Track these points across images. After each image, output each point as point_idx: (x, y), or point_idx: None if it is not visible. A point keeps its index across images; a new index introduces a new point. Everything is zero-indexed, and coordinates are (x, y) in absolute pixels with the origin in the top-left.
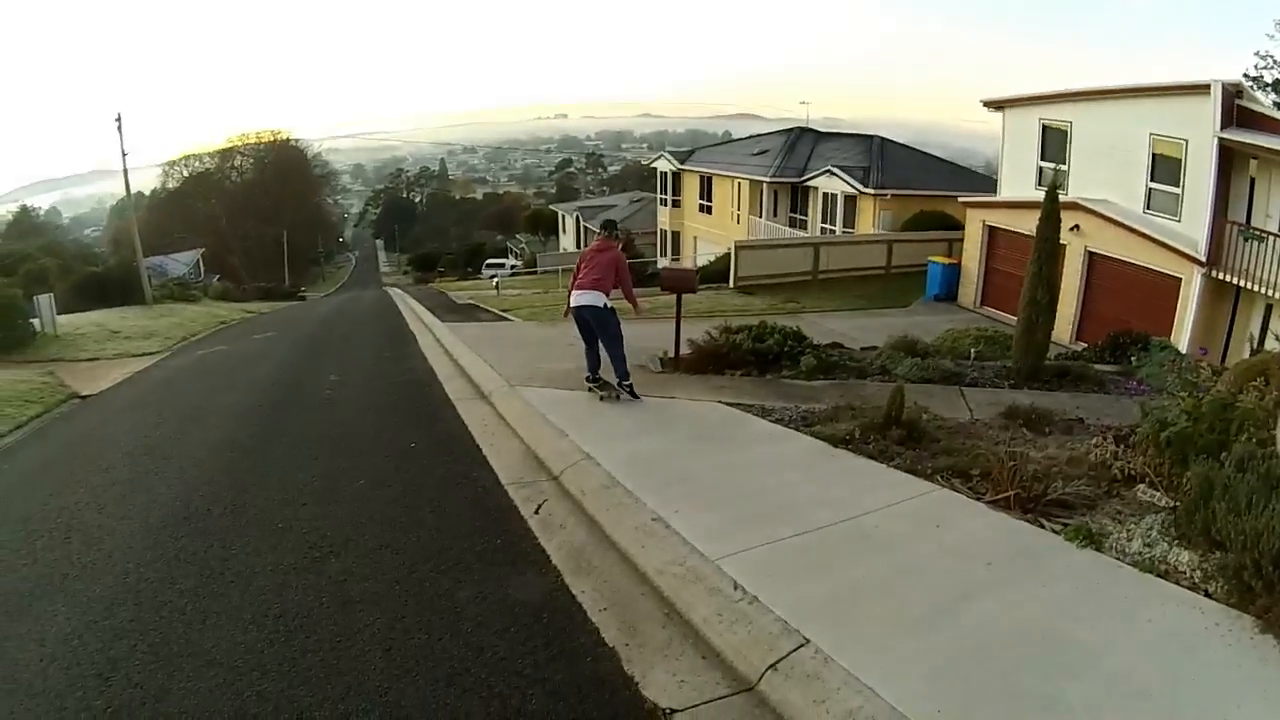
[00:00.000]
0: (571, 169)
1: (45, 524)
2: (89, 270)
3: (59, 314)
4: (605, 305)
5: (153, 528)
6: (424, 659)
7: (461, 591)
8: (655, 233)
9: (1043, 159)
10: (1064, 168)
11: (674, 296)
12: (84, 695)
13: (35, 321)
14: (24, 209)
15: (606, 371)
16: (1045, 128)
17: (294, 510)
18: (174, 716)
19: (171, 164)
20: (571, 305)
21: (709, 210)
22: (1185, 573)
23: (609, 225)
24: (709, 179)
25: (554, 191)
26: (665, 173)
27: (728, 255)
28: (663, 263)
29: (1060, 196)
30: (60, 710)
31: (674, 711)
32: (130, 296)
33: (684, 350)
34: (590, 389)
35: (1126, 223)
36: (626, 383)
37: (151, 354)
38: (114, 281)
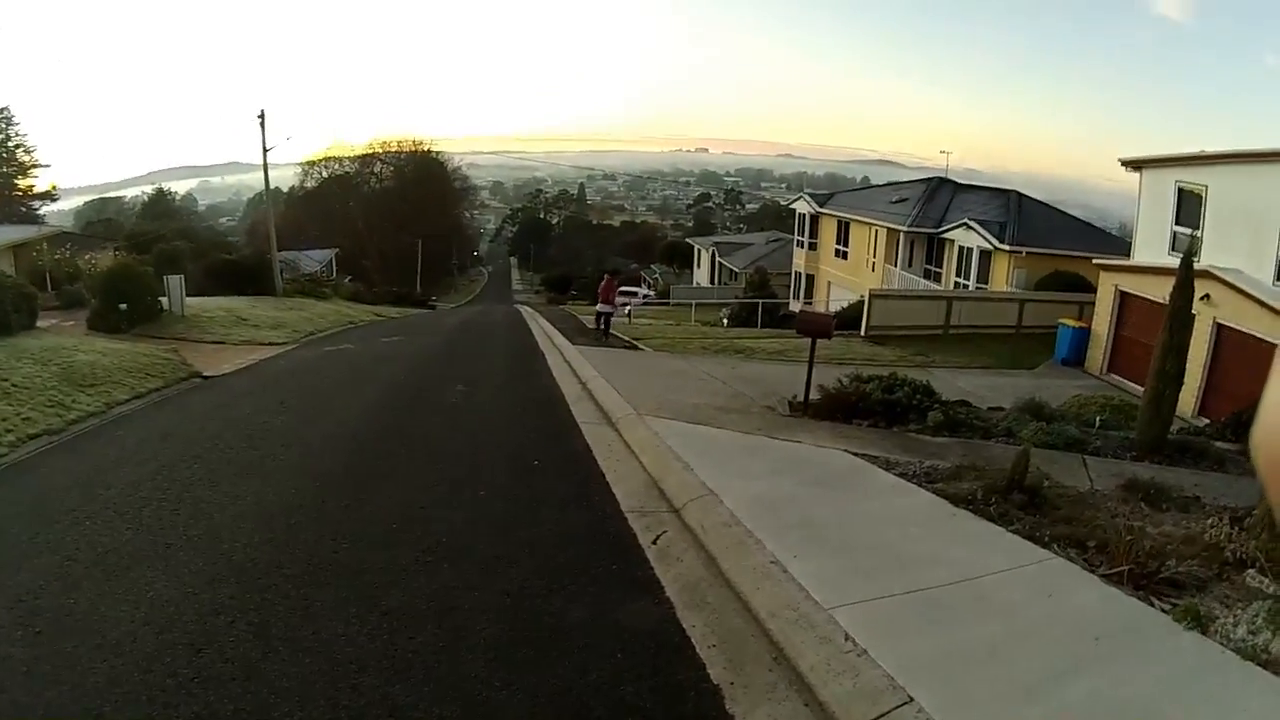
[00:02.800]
0: (709, 203)
1: (154, 492)
2: (222, 257)
3: (189, 296)
4: (610, 310)
5: (265, 512)
6: (527, 674)
7: (573, 612)
8: (790, 274)
9: (1177, 223)
10: (1199, 234)
11: (808, 340)
12: (172, 661)
13: (163, 300)
14: (160, 191)
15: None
16: (1181, 190)
17: (410, 511)
18: (263, 695)
19: (311, 164)
20: (598, 309)
21: (845, 255)
22: None
23: (614, 272)
24: (846, 224)
25: (691, 224)
26: (804, 214)
27: (860, 303)
28: (795, 305)
29: (1194, 264)
30: (146, 672)
31: None
32: (261, 287)
33: (814, 395)
34: (600, 340)
35: (1257, 295)
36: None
37: (277, 344)
38: (246, 270)
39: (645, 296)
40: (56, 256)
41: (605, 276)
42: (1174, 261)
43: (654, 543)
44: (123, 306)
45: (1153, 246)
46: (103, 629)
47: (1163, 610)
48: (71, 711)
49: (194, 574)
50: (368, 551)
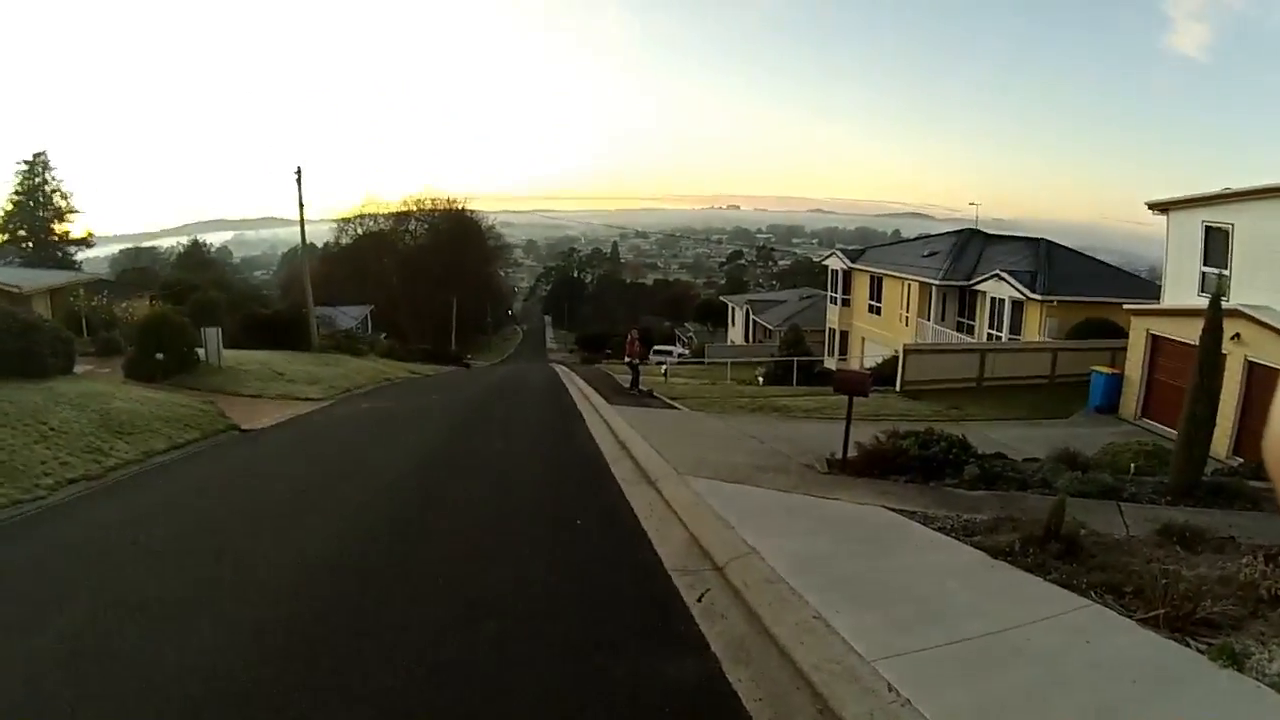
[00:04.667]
0: (742, 260)
1: (197, 542)
2: (258, 310)
3: (225, 348)
4: (636, 362)
5: (307, 565)
6: None
7: (618, 667)
8: (824, 331)
9: (1205, 263)
10: (1226, 274)
11: (845, 398)
12: (221, 710)
13: (200, 351)
14: (196, 243)
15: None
16: (1208, 229)
17: (454, 567)
18: None
19: (346, 220)
20: (627, 361)
21: (878, 311)
22: None
23: (636, 329)
24: (879, 279)
25: (724, 282)
26: (836, 270)
27: (895, 358)
28: (829, 362)
29: (1222, 303)
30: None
31: None
32: (297, 341)
33: (851, 452)
34: (635, 394)
35: None
36: (646, 390)
37: (314, 400)
38: (282, 324)
39: (680, 355)
40: (93, 303)
41: (630, 334)
42: (1204, 302)
43: (698, 600)
44: (160, 356)
45: (1182, 288)
46: (149, 674)
47: (1198, 650)
48: None
49: (238, 623)
50: (412, 606)
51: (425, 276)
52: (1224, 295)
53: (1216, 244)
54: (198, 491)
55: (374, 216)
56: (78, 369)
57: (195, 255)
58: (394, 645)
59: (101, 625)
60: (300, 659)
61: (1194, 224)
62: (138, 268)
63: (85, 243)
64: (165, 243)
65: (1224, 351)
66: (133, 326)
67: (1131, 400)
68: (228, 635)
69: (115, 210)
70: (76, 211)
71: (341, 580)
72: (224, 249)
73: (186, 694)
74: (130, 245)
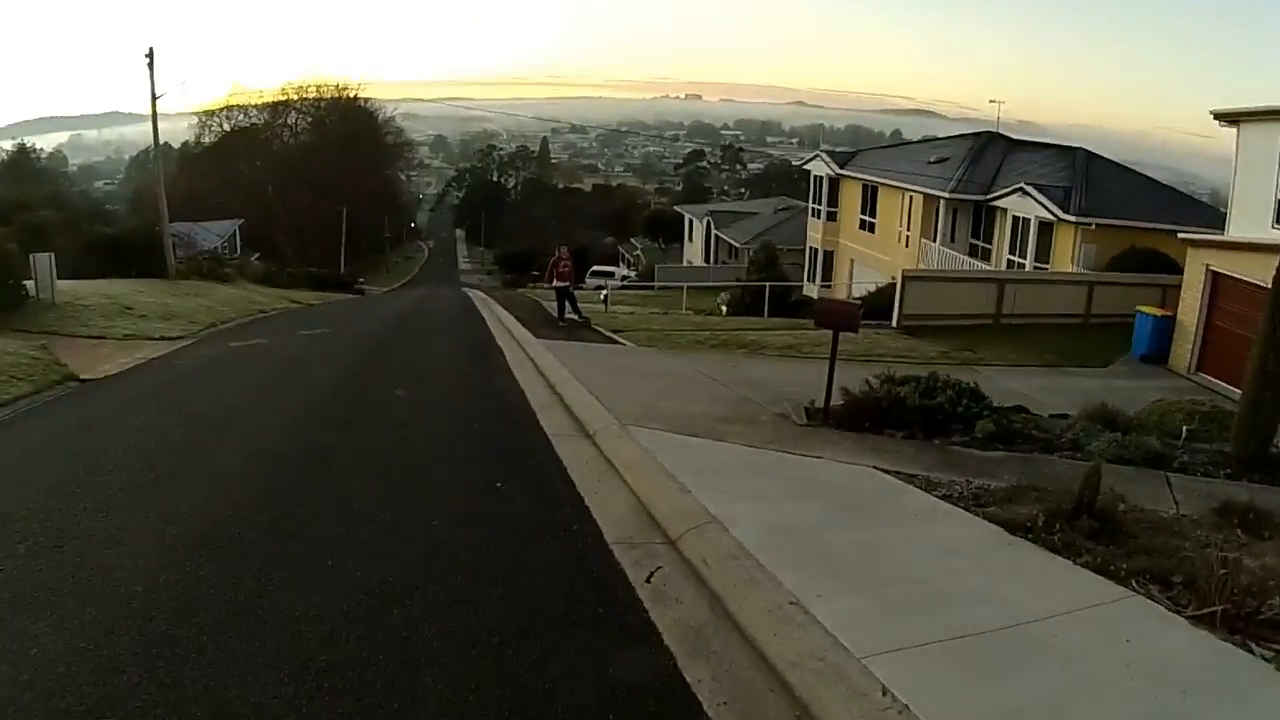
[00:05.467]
0: (703, 163)
1: (31, 525)
2: (101, 231)
3: (60, 279)
4: (566, 286)
5: (168, 546)
6: None
7: (552, 665)
8: (804, 251)
9: None
10: None
11: (829, 334)
12: None
13: (29, 284)
14: (24, 148)
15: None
16: None
17: (349, 546)
18: None
19: (209, 114)
20: (554, 286)
21: (871, 228)
22: None
23: (566, 245)
24: (874, 189)
25: (680, 189)
26: (820, 177)
27: (892, 286)
28: (810, 289)
29: None
30: None
31: None
32: (149, 267)
33: (836, 400)
34: (565, 325)
35: None
36: (581, 319)
37: (171, 339)
38: (130, 247)
39: (625, 278)
40: None
41: (557, 252)
42: (1279, 235)
43: (647, 580)
44: None
45: (1253, 217)
46: None
47: (1263, 658)
48: None
49: (87, 625)
50: (299, 595)
51: (308, 183)
52: None
53: None
54: (32, 459)
55: (244, 109)
56: None
57: (23, 165)
58: (277, 644)
59: None
60: (162, 665)
61: (1271, 141)
62: None
63: None
64: None
65: None
66: None
67: (1185, 349)
68: (71, 641)
69: None
70: None
71: (212, 567)
72: (58, 154)
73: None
74: None
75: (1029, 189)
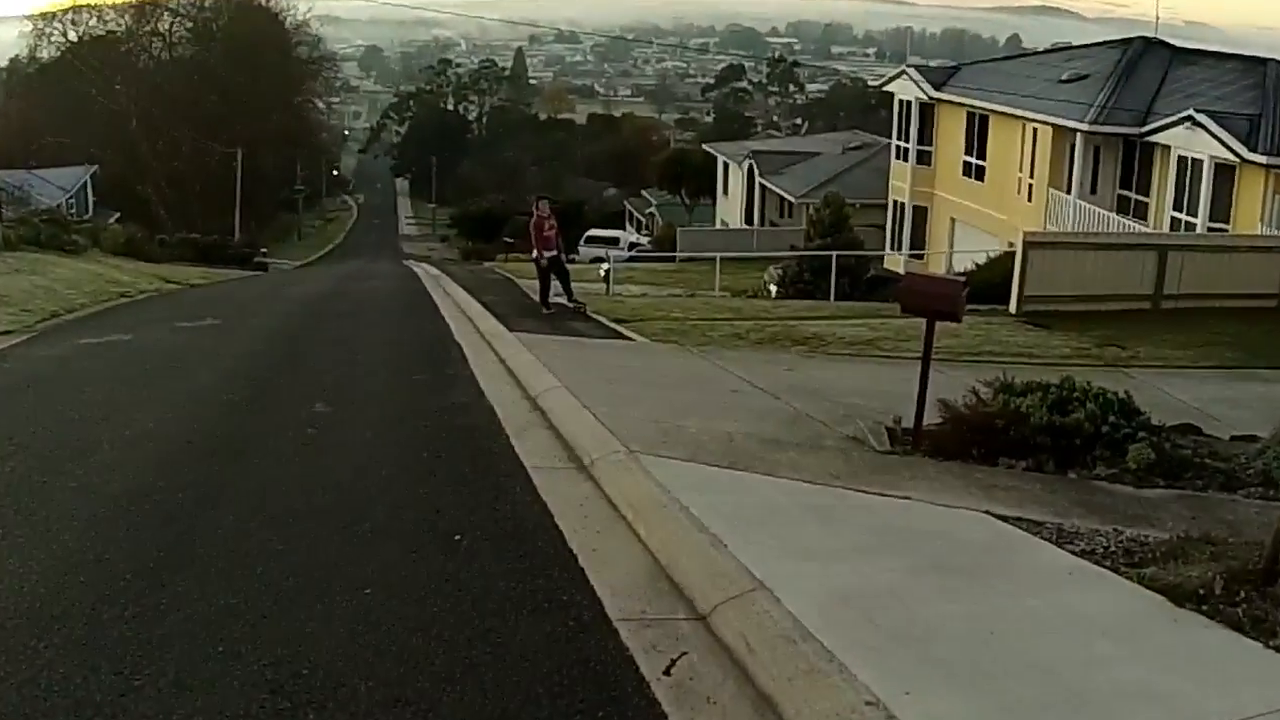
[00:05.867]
0: (743, 83)
1: None
2: None
3: None
4: (555, 254)
5: (6, 629)
6: None
7: None
8: (885, 206)
9: None
10: None
11: (920, 324)
12: None
13: None
14: None
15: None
16: None
17: (245, 625)
18: None
19: (47, 16)
20: (534, 258)
21: (979, 174)
22: None
23: (546, 199)
24: (983, 119)
25: (710, 121)
26: (908, 102)
27: (1009, 256)
28: (893, 260)
29: None
30: None
31: None
32: None
33: (931, 418)
34: (550, 313)
35: None
36: (576, 305)
37: None
38: None
39: (634, 246)
40: None
41: (536, 209)
42: None
43: (666, 672)
44: None
45: None
46: None
47: None
48: None
49: None
50: (174, 698)
51: (188, 116)
52: None
53: None
54: None
55: (97, 10)
56: None
57: None
58: None
59: None
60: None
61: None
62: None
63: None
64: None
65: None
66: None
67: None
68: None
69: None
70: None
71: (60, 655)
72: None
73: None
74: None
75: (1201, 118)
